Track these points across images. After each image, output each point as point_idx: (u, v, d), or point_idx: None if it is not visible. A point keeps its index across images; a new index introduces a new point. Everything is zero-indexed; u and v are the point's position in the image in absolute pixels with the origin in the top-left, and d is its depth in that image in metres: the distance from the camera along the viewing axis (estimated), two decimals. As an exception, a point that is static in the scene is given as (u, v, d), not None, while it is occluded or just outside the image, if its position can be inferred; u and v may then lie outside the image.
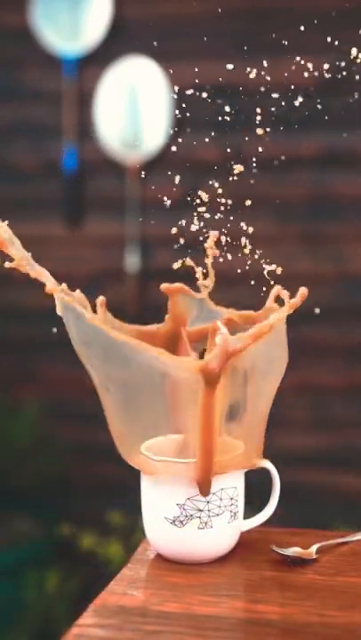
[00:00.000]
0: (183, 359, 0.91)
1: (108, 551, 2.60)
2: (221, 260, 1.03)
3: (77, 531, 2.70)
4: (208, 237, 1.00)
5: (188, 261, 1.00)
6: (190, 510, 0.91)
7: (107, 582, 0.89)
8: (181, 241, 1.04)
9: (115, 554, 2.57)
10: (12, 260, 0.91)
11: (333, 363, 2.89)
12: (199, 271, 1.01)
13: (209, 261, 1.01)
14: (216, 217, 1.05)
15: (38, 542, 2.78)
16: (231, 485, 0.93)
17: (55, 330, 0.95)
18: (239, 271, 0.99)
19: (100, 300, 0.98)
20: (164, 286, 1.03)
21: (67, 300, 0.90)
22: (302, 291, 0.96)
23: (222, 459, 0.91)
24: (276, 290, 0.98)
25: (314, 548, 0.95)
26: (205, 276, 1.02)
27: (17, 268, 0.91)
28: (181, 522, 0.91)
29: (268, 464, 0.97)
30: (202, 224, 1.03)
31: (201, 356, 0.96)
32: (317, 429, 2.91)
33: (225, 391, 0.90)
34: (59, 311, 0.91)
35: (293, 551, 0.93)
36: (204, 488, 0.90)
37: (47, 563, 2.75)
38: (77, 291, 0.93)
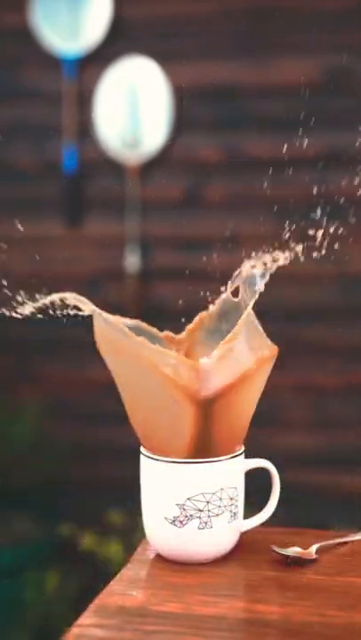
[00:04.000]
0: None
1: (108, 551, 2.60)
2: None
3: (77, 531, 2.70)
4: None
5: None
6: (190, 510, 0.91)
7: (107, 582, 0.89)
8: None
9: (115, 554, 2.57)
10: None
11: (333, 363, 2.89)
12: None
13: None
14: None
15: (38, 542, 2.78)
16: (231, 485, 0.93)
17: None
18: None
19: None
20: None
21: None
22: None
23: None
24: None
25: (314, 547, 0.95)
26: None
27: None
28: (181, 522, 0.91)
29: (268, 464, 0.97)
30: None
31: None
32: (317, 429, 2.91)
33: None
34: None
35: (293, 551, 0.93)
36: None
37: (47, 563, 2.75)
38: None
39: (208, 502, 0.91)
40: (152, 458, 0.93)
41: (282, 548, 0.93)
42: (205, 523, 0.91)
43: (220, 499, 0.92)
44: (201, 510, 0.91)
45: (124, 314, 0.98)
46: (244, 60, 2.89)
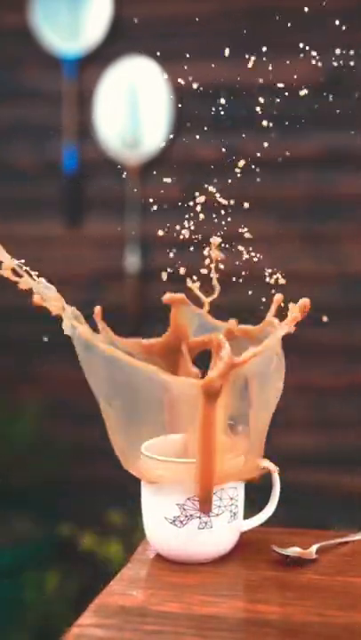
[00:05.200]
0: (183, 379, 0.92)
1: (108, 551, 2.60)
2: (222, 266, 1.03)
3: (77, 531, 2.70)
4: (210, 248, 1.00)
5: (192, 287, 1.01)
6: (190, 510, 0.91)
7: (107, 582, 0.89)
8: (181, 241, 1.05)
9: (115, 554, 2.57)
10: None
11: (333, 363, 2.89)
12: (195, 287, 1.01)
13: (214, 276, 1.00)
14: (216, 217, 1.04)
15: (38, 542, 2.78)
16: (231, 485, 0.93)
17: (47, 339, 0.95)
18: (241, 273, 0.99)
19: (97, 310, 0.97)
20: (167, 297, 1.03)
21: (73, 322, 0.91)
22: (303, 302, 0.95)
23: (222, 471, 0.91)
24: (278, 299, 0.99)
25: (314, 548, 0.95)
26: (208, 294, 1.02)
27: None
28: (181, 522, 0.91)
29: (268, 464, 0.97)
30: (201, 224, 1.03)
31: (202, 376, 0.95)
32: (317, 429, 2.91)
33: (225, 405, 0.90)
34: (66, 330, 0.91)
35: (293, 551, 0.93)
36: (205, 506, 0.90)
37: (47, 563, 2.75)
38: (73, 308, 0.93)
39: (208, 502, 0.91)
40: (152, 458, 0.93)
41: (282, 548, 0.93)
42: (205, 523, 0.91)
43: (220, 498, 0.92)
44: (201, 510, 0.91)
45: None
46: (244, 60, 2.89)
